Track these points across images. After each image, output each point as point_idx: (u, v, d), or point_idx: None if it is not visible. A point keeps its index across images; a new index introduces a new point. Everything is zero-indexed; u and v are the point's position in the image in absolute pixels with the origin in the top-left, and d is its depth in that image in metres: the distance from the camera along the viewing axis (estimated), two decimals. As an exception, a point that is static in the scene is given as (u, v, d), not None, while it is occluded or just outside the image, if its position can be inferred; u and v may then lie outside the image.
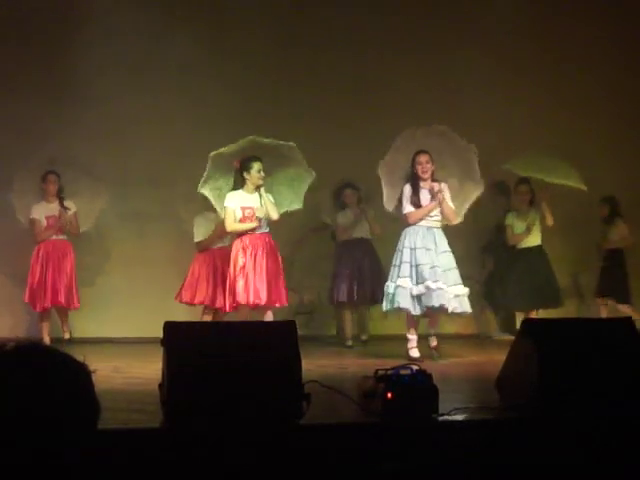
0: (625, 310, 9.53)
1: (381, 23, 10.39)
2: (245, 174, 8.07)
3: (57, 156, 9.08)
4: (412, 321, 8.09)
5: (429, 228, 8.05)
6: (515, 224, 9.51)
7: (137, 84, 9.88)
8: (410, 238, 8.01)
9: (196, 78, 9.98)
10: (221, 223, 8.67)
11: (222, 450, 4.03)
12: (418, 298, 7.85)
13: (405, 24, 10.44)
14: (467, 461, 4.20)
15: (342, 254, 9.49)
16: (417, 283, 7.85)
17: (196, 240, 9.30)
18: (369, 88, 10.27)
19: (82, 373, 1.74)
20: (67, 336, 9.07)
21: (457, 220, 8.12)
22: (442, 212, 8.04)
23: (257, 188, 8.05)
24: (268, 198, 8.09)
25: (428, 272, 7.83)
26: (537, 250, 9.48)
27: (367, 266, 9.36)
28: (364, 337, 9.69)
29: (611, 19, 10.76)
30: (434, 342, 8.11)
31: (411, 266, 7.93)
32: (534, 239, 9.49)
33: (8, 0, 9.86)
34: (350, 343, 9.35)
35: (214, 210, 8.83)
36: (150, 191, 9.92)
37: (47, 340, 8.88)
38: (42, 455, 1.59)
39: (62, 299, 8.93)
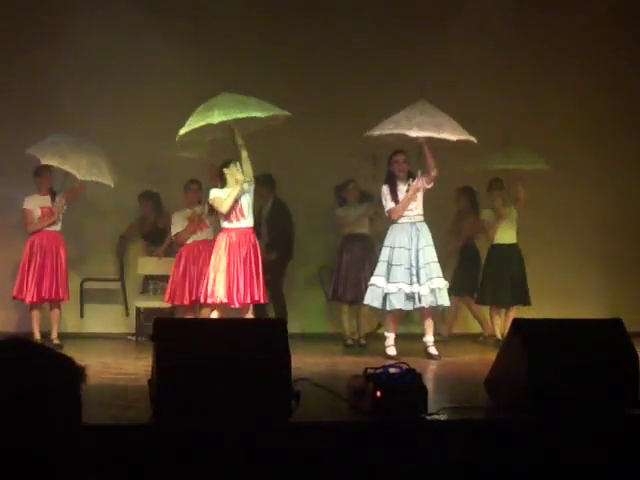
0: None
1: (380, 18, 10.40)
2: (225, 169, 8.16)
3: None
4: (391, 319, 8.24)
5: (412, 224, 8.19)
6: (491, 219, 9.53)
7: (127, 81, 9.87)
8: (392, 236, 8.19)
9: (189, 75, 9.95)
10: (195, 216, 9.19)
11: (210, 447, 4.03)
12: (389, 297, 8.00)
13: (404, 20, 10.45)
14: (456, 461, 4.21)
15: (343, 250, 9.48)
16: (389, 282, 8.01)
17: (173, 233, 9.37)
18: (366, 84, 10.27)
19: (69, 369, 1.73)
20: (56, 340, 8.94)
21: (436, 171, 8.15)
22: (426, 172, 8.14)
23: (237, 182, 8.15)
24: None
25: (402, 273, 8.00)
26: (512, 247, 9.49)
27: (367, 263, 9.33)
28: (363, 341, 9.47)
29: (609, 13, 10.79)
30: (431, 349, 8.12)
31: (388, 265, 8.05)
32: (509, 236, 9.50)
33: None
34: (350, 342, 9.33)
35: (193, 206, 9.22)
36: (140, 187, 9.91)
37: (37, 334, 8.84)
38: (25, 451, 1.58)
39: (59, 291, 8.88)
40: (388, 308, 8.10)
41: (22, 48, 9.70)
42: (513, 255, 9.48)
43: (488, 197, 9.58)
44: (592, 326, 5.25)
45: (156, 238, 10.00)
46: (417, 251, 8.07)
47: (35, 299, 8.82)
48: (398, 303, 8.00)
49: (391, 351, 8.11)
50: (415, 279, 7.99)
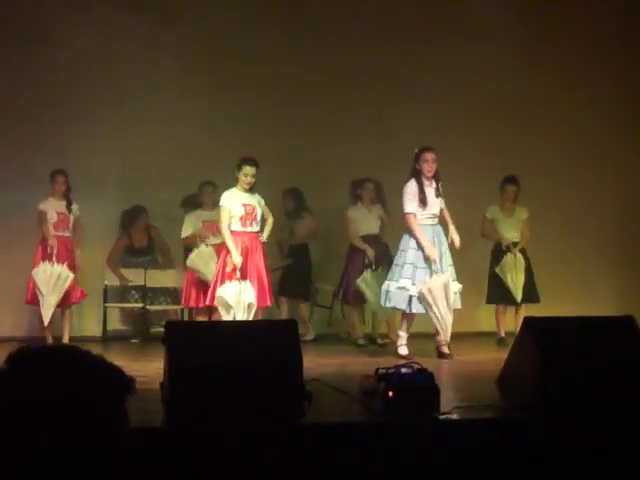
0: (304, 310, 9.84)
1: (390, 20, 10.38)
2: (237, 172, 8.14)
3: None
4: (408, 319, 8.17)
5: (433, 226, 8.09)
6: (498, 218, 9.49)
7: (139, 86, 9.87)
8: (415, 240, 8.02)
9: (199, 79, 9.95)
10: (207, 223, 9.13)
11: (223, 450, 4.03)
12: (414, 299, 7.93)
13: (414, 20, 10.43)
14: (468, 460, 4.20)
15: (354, 251, 9.37)
16: (414, 284, 7.93)
17: (183, 235, 9.34)
18: (378, 85, 10.26)
19: (117, 379, 1.69)
20: (67, 338, 8.98)
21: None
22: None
23: (251, 189, 8.14)
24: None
25: (427, 276, 7.90)
26: (517, 245, 9.45)
27: (381, 264, 9.18)
28: (380, 340, 9.39)
29: (618, 11, 10.76)
30: (443, 348, 8.07)
31: (414, 268, 7.96)
32: (515, 235, 9.47)
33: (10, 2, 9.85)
34: (362, 342, 9.28)
35: (208, 208, 9.15)
36: (152, 192, 9.92)
37: (50, 338, 8.85)
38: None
39: (71, 295, 8.88)
40: (414, 310, 8.02)
41: (23, 51, 9.70)
42: (519, 253, 9.45)
43: (500, 194, 9.53)
44: (604, 323, 5.24)
45: (147, 250, 10.03)
46: (441, 254, 8.00)
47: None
48: (422, 307, 7.96)
49: (403, 350, 8.07)
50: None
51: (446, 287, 7.83)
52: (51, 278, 8.66)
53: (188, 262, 8.98)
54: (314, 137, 10.02)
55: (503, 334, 9.19)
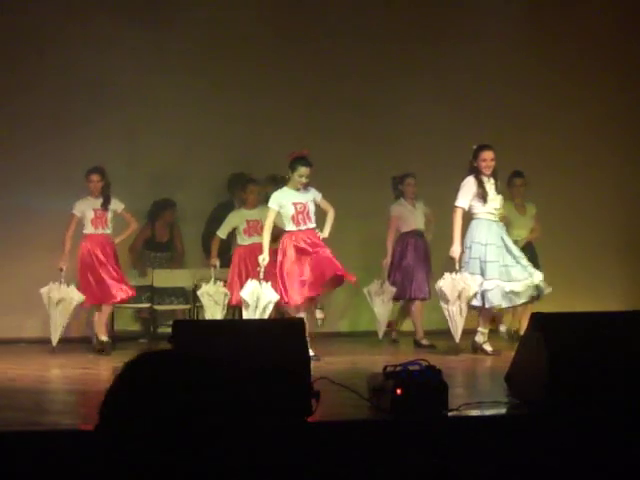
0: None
1: (392, 22, 10.36)
2: (290, 172, 7.93)
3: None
4: (483, 315, 8.16)
5: (495, 222, 8.11)
6: (512, 215, 9.48)
7: (146, 87, 9.88)
8: (480, 234, 8.02)
9: (201, 79, 9.96)
10: (252, 222, 9.01)
11: (230, 448, 4.02)
12: (485, 293, 7.94)
13: (416, 21, 10.41)
14: (477, 457, 4.19)
15: (403, 244, 9.23)
16: (489, 279, 7.91)
17: (219, 234, 9.20)
18: (380, 86, 10.25)
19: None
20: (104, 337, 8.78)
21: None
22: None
23: (305, 187, 7.96)
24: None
25: (498, 270, 7.90)
26: (526, 243, 9.43)
27: (422, 259, 9.19)
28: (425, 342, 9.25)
29: (627, 7, 10.73)
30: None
31: (481, 262, 7.95)
32: (525, 232, 9.46)
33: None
34: (394, 337, 9.27)
35: (252, 207, 9.06)
36: (161, 193, 9.92)
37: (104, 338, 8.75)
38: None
39: (116, 293, 8.82)
40: (487, 305, 8.02)
41: (21, 52, 9.71)
42: (526, 250, 9.43)
43: (509, 190, 9.52)
44: (612, 319, 5.23)
45: (166, 246, 10.01)
46: (507, 250, 8.03)
47: (106, 300, 8.78)
48: (496, 299, 7.95)
49: (488, 347, 8.04)
50: (510, 275, 7.97)
51: (462, 288, 7.82)
52: (58, 299, 8.53)
53: (200, 293, 8.75)
54: (314, 137, 10.01)
55: (503, 330, 9.28)
